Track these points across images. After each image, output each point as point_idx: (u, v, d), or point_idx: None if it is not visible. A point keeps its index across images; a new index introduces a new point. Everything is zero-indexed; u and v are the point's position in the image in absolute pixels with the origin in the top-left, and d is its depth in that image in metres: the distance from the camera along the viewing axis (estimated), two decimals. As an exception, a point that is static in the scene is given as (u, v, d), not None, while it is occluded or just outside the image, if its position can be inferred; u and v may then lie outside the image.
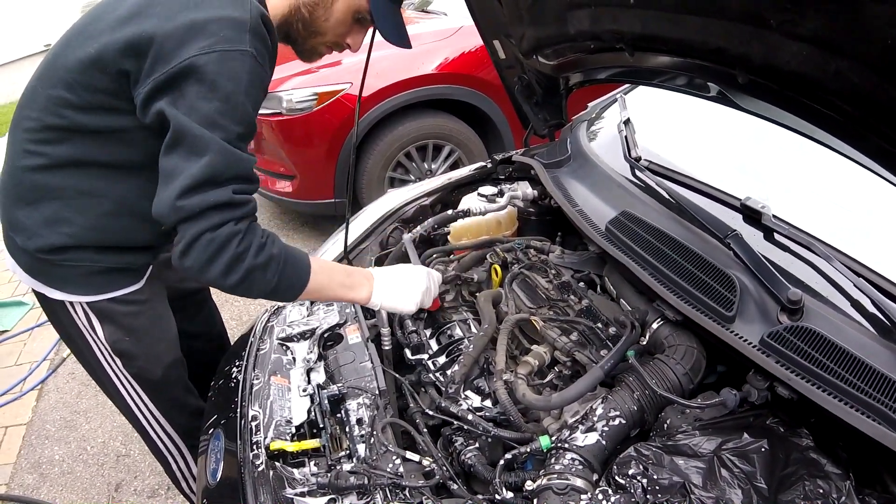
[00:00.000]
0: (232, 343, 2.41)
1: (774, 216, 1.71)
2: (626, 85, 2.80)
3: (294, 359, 1.91)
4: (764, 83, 1.51)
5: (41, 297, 1.89)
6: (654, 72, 2.00)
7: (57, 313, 1.89)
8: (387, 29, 1.83)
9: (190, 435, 2.15)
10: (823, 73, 1.31)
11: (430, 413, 1.66)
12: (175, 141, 1.44)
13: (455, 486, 1.48)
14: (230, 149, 1.45)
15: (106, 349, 1.92)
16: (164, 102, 1.45)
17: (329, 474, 1.48)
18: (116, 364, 1.96)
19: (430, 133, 4.68)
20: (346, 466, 1.50)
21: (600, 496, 1.29)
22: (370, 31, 1.90)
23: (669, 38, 1.68)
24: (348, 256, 2.30)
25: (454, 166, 4.80)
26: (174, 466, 2.24)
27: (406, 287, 1.78)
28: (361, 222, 2.47)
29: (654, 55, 1.87)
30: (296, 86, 4.41)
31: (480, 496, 1.48)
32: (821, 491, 1.28)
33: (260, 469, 1.57)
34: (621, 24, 1.79)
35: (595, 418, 1.43)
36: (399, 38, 1.88)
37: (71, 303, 1.84)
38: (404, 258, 2.13)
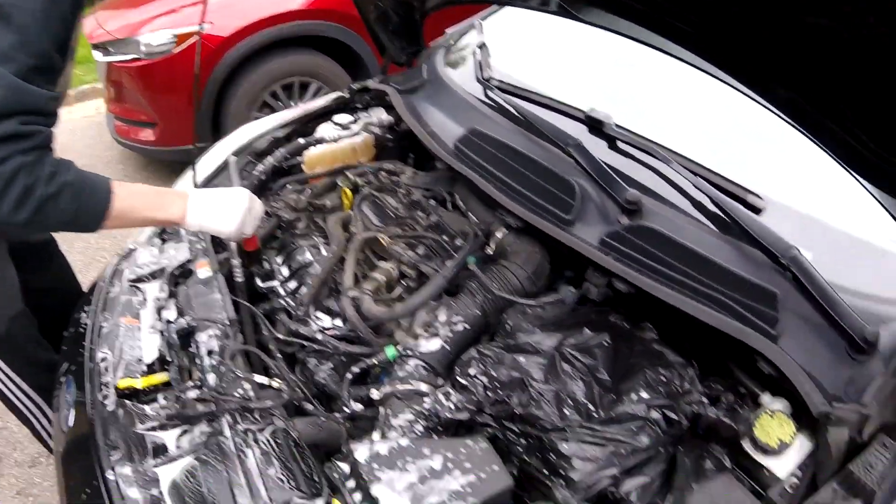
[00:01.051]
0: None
1: (616, 125, 1.76)
2: (483, 10, 2.79)
3: (145, 299, 1.85)
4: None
5: None
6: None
7: None
8: None
9: (46, 390, 2.06)
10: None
11: (282, 338, 1.64)
12: None
13: (310, 407, 1.48)
14: (19, 82, 1.36)
15: None
16: None
17: (176, 404, 1.45)
18: None
19: (295, 71, 4.55)
20: (191, 394, 1.47)
21: (442, 397, 1.32)
22: None
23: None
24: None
25: (317, 100, 4.71)
26: (37, 425, 2.18)
27: (225, 207, 1.69)
28: (214, 158, 2.39)
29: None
30: (153, 28, 4.21)
31: (338, 414, 1.49)
32: (663, 379, 1.34)
33: (110, 409, 1.52)
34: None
35: (438, 324, 1.45)
36: None
37: None
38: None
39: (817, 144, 1.35)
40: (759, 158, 1.72)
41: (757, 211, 1.51)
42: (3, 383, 2.02)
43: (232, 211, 1.69)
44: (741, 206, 1.50)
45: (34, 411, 2.13)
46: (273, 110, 4.55)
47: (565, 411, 1.29)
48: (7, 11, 1.33)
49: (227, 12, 4.21)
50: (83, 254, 4.31)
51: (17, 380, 2.04)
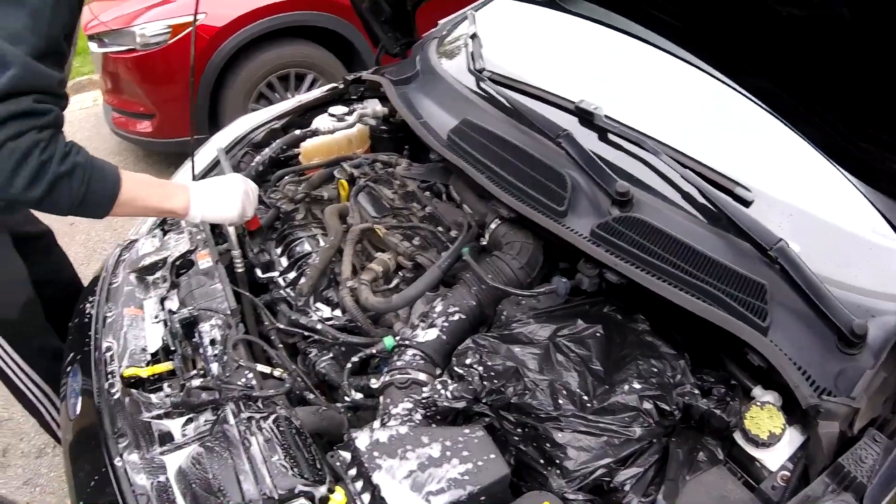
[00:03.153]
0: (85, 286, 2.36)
1: (606, 116, 1.79)
2: (477, 1, 2.81)
3: (147, 289, 1.89)
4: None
5: None
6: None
7: None
8: None
9: (56, 380, 2.08)
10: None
11: (283, 328, 1.68)
12: None
13: (312, 396, 1.52)
14: (32, 62, 1.37)
15: None
16: None
17: (181, 393, 1.49)
18: None
19: (291, 62, 4.56)
20: (195, 382, 1.51)
21: (439, 386, 1.36)
22: None
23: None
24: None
25: (314, 92, 4.72)
26: (46, 415, 2.19)
27: (225, 194, 1.74)
28: (211, 150, 2.42)
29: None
30: (149, 19, 4.21)
31: (339, 404, 1.53)
32: (655, 370, 1.37)
33: (116, 397, 1.56)
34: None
35: (435, 315, 1.49)
36: None
37: None
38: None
39: (797, 133, 1.39)
40: (748, 150, 1.74)
41: (746, 203, 1.54)
42: (14, 371, 2.04)
43: (231, 198, 1.74)
44: (729, 198, 1.53)
45: (42, 400, 2.15)
46: (269, 101, 4.57)
47: (560, 401, 1.31)
48: None
49: (222, 2, 4.22)
50: (84, 246, 4.34)
51: (27, 368, 2.06)
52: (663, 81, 1.97)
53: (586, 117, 1.81)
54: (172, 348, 1.65)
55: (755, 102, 1.48)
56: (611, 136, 1.78)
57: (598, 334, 1.44)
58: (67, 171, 1.44)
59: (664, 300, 1.37)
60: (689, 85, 1.83)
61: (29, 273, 2.08)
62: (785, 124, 1.47)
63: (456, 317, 1.49)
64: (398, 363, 1.41)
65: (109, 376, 1.62)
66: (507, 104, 1.94)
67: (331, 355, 1.63)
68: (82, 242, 4.38)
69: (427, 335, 1.45)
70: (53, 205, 1.47)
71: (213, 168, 2.31)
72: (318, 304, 1.71)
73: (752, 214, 1.48)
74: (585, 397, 1.33)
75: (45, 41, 1.40)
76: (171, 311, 1.74)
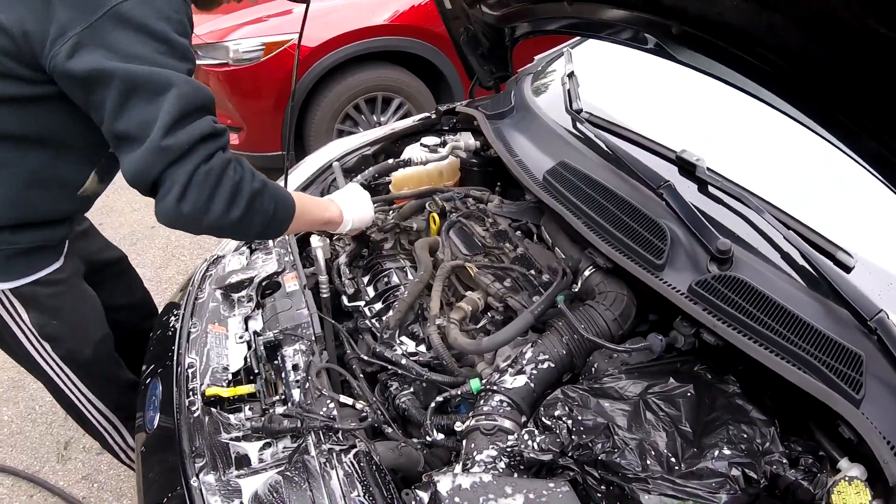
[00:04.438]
0: (162, 304, 2.38)
1: (709, 169, 1.74)
2: (574, 38, 2.80)
3: (232, 306, 1.90)
4: (698, 34, 1.52)
5: None
6: (593, 23, 2.01)
7: None
8: None
9: (122, 408, 2.11)
10: (756, 27, 1.32)
11: (366, 359, 1.67)
12: (127, 93, 1.31)
13: (390, 430, 1.50)
14: (190, 79, 1.37)
15: (33, 335, 1.84)
16: (96, 57, 1.31)
17: (262, 418, 1.49)
18: (45, 349, 1.88)
19: (379, 85, 4.62)
20: (279, 409, 1.50)
21: (526, 436, 1.32)
22: None
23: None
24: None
25: (403, 119, 4.76)
26: (110, 441, 2.20)
27: (361, 200, 1.86)
28: (303, 172, 2.45)
29: (592, 5, 1.87)
30: (243, 35, 4.33)
31: (415, 440, 1.51)
32: (745, 436, 1.31)
33: (196, 415, 1.57)
34: (558, -26, 1.79)
35: (524, 362, 1.46)
36: None
37: None
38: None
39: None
40: (850, 212, 1.70)
41: (846, 268, 1.48)
42: (81, 402, 2.04)
43: (366, 202, 1.88)
44: (830, 263, 1.47)
45: (108, 429, 2.15)
46: (355, 123, 4.64)
47: (647, 462, 1.27)
48: (142, 22, 1.34)
49: (315, 24, 4.30)
50: (164, 249, 4.45)
51: (95, 400, 2.05)
52: (766, 135, 1.92)
53: (688, 168, 1.77)
54: (256, 371, 1.65)
55: (862, 165, 1.42)
56: (711, 189, 1.74)
57: (688, 394, 1.39)
58: (259, 189, 1.44)
59: (758, 363, 1.32)
60: (793, 141, 1.78)
61: (105, 300, 2.07)
62: (892, 190, 1.41)
63: (545, 365, 1.46)
64: (485, 408, 1.39)
65: (190, 393, 1.64)
66: (606, 148, 1.91)
67: (411, 390, 1.62)
68: (161, 246, 4.49)
69: (515, 382, 1.42)
70: (248, 226, 1.46)
71: (307, 186, 2.34)
72: (403, 338, 1.70)
73: (853, 281, 1.42)
74: (673, 459, 1.29)
75: (183, 60, 1.40)
76: (255, 333, 1.75)
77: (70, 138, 1.56)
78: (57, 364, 1.92)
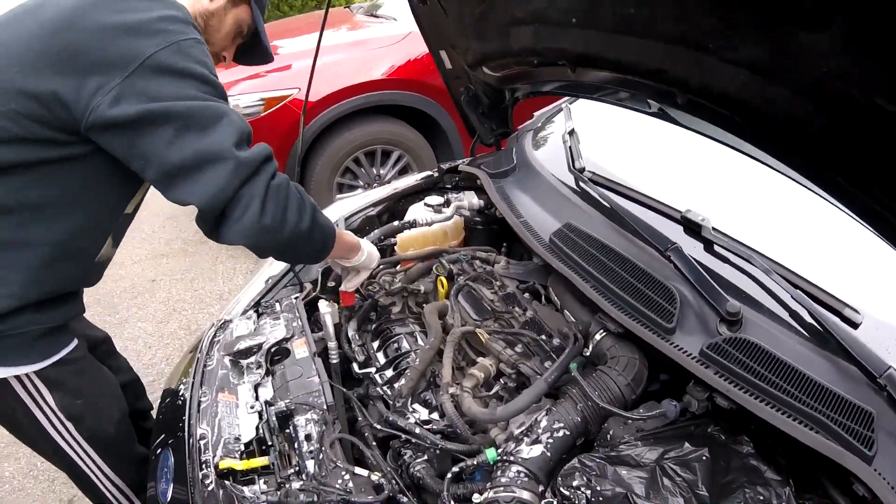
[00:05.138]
0: (144, 385, 2.39)
1: (714, 228, 1.76)
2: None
3: (241, 374, 1.90)
4: (702, 103, 1.55)
5: None
6: (596, 87, 2.04)
7: None
8: (265, 43, 1.91)
9: (135, 483, 2.06)
10: (759, 99, 1.35)
11: (379, 427, 1.67)
12: (184, 127, 1.38)
13: (405, 500, 1.49)
14: (233, 110, 1.47)
15: (56, 417, 1.78)
16: (142, 104, 1.36)
17: (279, 493, 1.49)
18: (68, 430, 1.82)
19: (378, 139, 4.66)
20: (296, 484, 1.50)
21: (546, 507, 1.32)
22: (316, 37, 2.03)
23: (609, 59, 1.71)
24: (294, 268, 2.30)
25: (403, 172, 4.81)
26: None
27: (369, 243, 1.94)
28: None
29: (596, 71, 1.90)
30: (243, 91, 4.37)
31: (429, 509, 1.51)
32: (761, 498, 1.32)
33: (210, 488, 1.55)
34: (563, 43, 1.82)
35: (540, 430, 1.46)
36: (269, 54, 1.97)
37: (17, 377, 1.67)
38: None
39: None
40: (854, 270, 1.72)
41: (854, 325, 1.50)
42: (100, 480, 1.99)
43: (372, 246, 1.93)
44: (838, 320, 1.49)
45: (121, 500, 2.12)
46: (355, 176, 4.67)
47: (667, 529, 1.28)
48: (181, 67, 1.42)
49: (315, 79, 4.31)
50: (165, 304, 4.44)
51: (114, 477, 2.01)
52: (769, 194, 1.94)
53: (693, 228, 1.79)
54: (269, 442, 1.64)
55: (861, 223, 1.45)
56: (717, 249, 1.75)
57: (704, 458, 1.40)
58: (314, 204, 1.56)
59: (771, 425, 1.33)
60: (795, 200, 1.80)
61: None
62: (892, 246, 1.44)
63: (561, 433, 1.46)
64: (502, 479, 1.38)
65: (203, 465, 1.62)
66: (611, 209, 1.93)
67: (425, 457, 1.61)
68: (163, 300, 4.48)
69: (532, 451, 1.42)
70: (309, 238, 1.57)
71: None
72: (416, 406, 1.70)
73: (860, 337, 1.45)
74: (691, 526, 1.28)
75: (223, 97, 1.50)
76: (267, 402, 1.75)
77: (90, 199, 1.58)
78: (79, 444, 1.87)
